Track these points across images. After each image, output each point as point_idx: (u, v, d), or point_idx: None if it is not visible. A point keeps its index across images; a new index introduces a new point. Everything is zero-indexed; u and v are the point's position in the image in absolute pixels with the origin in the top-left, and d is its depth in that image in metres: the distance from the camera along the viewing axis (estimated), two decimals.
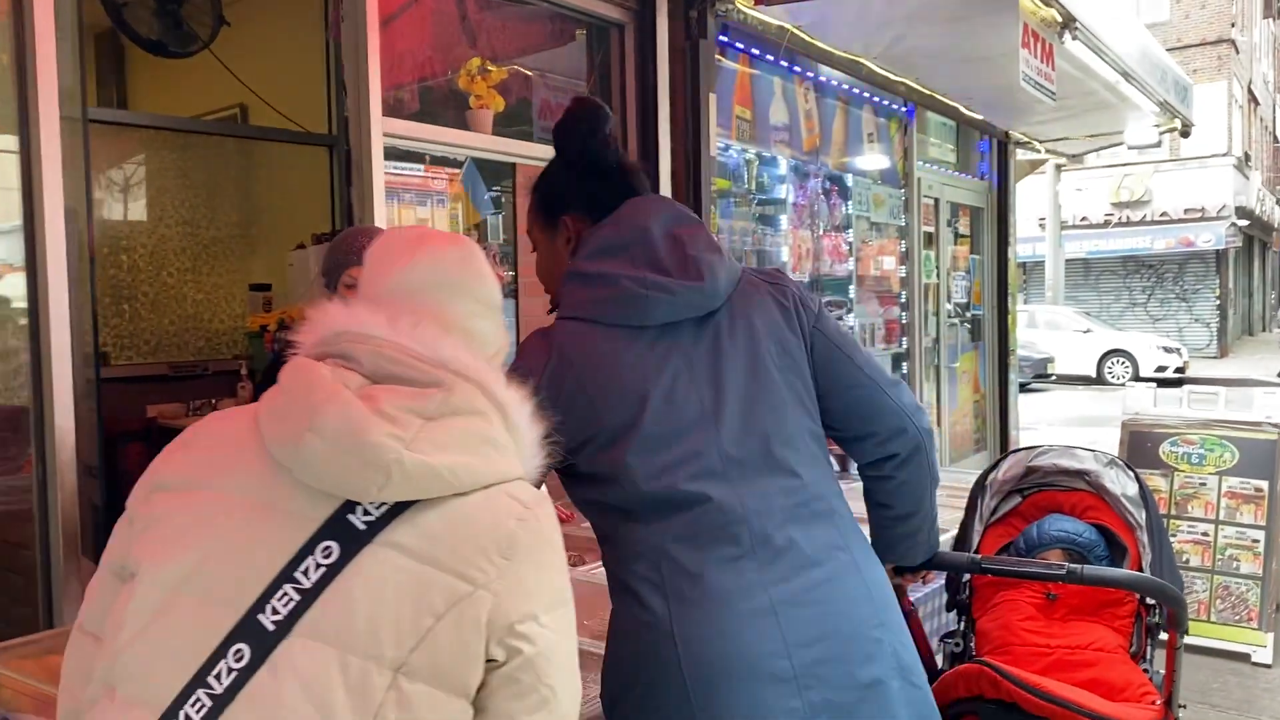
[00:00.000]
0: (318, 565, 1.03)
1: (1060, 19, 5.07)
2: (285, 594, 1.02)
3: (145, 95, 5.71)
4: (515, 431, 1.15)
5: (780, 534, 1.52)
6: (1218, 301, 23.64)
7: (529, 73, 4.40)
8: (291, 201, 5.32)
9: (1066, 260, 21.91)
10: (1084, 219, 23.58)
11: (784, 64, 5.64)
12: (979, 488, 2.54)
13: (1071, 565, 1.85)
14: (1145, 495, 2.36)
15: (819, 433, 1.68)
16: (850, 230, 6.48)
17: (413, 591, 1.03)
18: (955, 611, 2.46)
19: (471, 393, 1.12)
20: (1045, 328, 18.03)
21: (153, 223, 5.61)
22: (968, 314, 8.28)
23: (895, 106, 6.92)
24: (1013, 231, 8.70)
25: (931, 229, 7.52)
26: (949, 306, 7.83)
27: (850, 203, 6.47)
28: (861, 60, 5.96)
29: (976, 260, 8.43)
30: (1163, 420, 5.10)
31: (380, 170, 3.48)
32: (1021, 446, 2.60)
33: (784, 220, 5.88)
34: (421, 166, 3.81)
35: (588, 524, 1.68)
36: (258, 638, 1.01)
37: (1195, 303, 23.79)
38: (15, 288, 2.71)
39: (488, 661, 1.05)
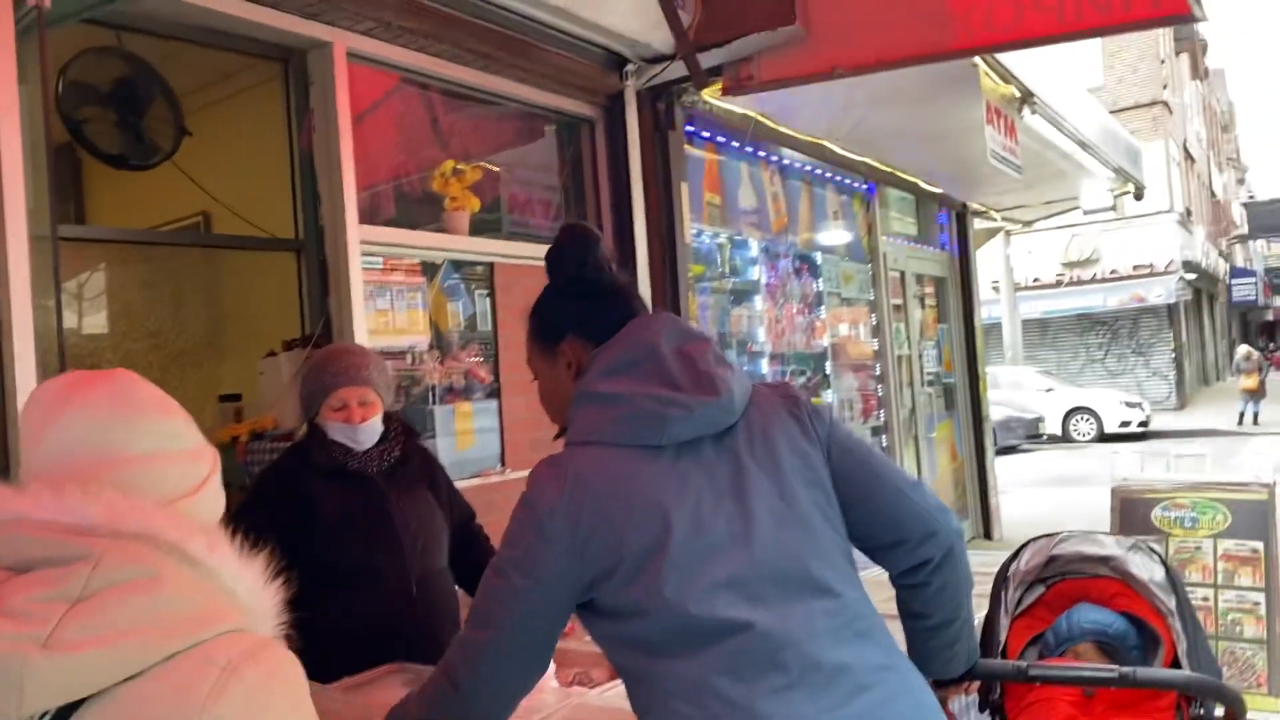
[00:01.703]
0: None
1: (1019, 94, 5.18)
2: None
3: (104, 207, 5.61)
4: (214, 576, 1.00)
5: (828, 658, 1.43)
6: (1173, 354, 24.03)
7: (500, 170, 4.38)
8: (259, 308, 5.22)
9: (1023, 321, 22.23)
10: (1036, 280, 24.02)
11: (749, 149, 5.69)
12: (1001, 580, 2.47)
13: (1124, 669, 1.77)
14: (1174, 579, 2.30)
15: (848, 548, 1.61)
16: (823, 306, 6.50)
17: None
18: (989, 713, 2.37)
19: (131, 552, 0.96)
20: (1009, 388, 18.17)
21: (118, 336, 5.47)
22: (940, 382, 8.31)
23: (856, 185, 7.01)
24: (977, 299, 8.80)
25: (900, 301, 7.57)
26: (922, 376, 7.85)
27: (820, 279, 6.50)
28: (824, 143, 6.04)
29: (944, 329, 8.49)
30: (1153, 485, 5.07)
31: (359, 277, 3.42)
32: (1040, 535, 2.54)
33: (758, 300, 5.88)
34: (394, 269, 3.74)
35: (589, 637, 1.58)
36: None
37: (1152, 356, 24.16)
38: None
39: None
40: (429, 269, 3.87)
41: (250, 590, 1.04)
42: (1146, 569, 2.36)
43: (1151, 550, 2.41)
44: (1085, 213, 8.74)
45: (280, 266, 4.81)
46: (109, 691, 0.91)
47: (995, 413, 16.68)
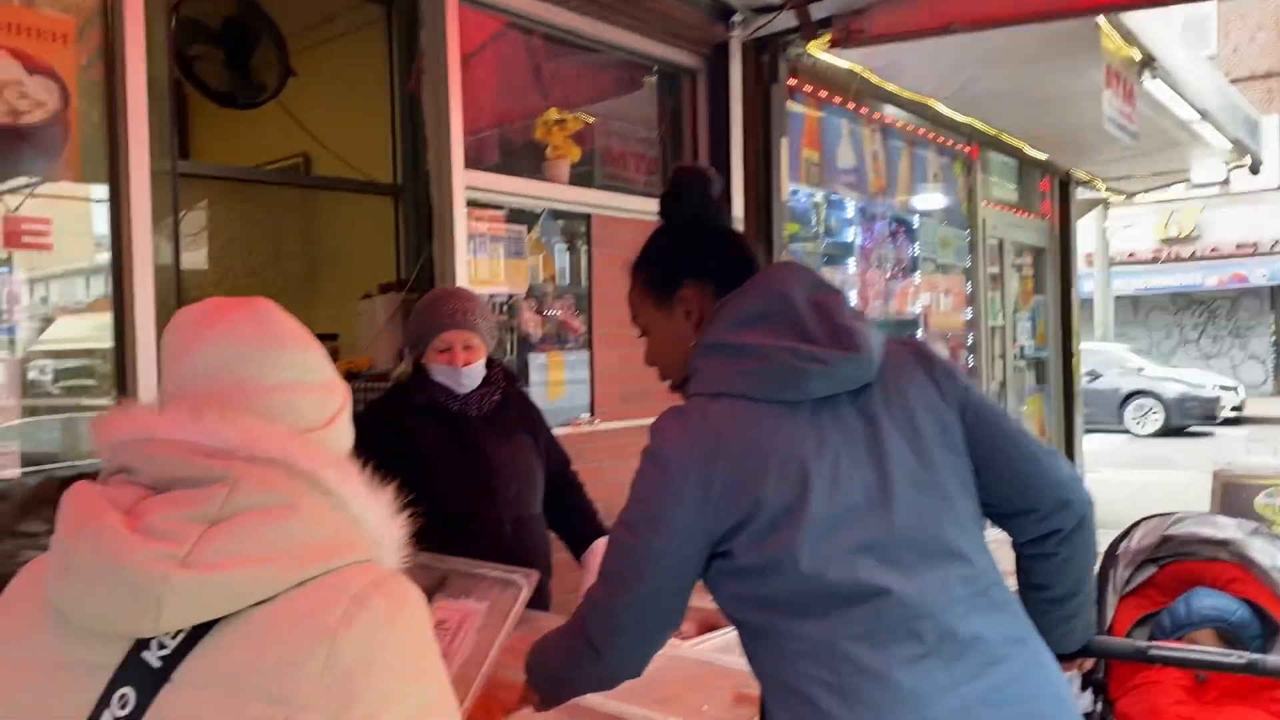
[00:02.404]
0: (115, 718, 0.90)
1: (1141, 58, 4.95)
2: None
3: (206, 145, 5.72)
4: (345, 507, 1.00)
5: (964, 628, 1.38)
6: (1274, 338, 23.09)
7: (597, 120, 4.33)
8: (356, 250, 5.28)
9: (1115, 297, 21.56)
10: (1132, 255, 23.23)
11: (851, 107, 5.55)
12: (1110, 557, 2.39)
13: (1252, 656, 1.70)
14: None
15: (979, 514, 1.56)
16: (917, 272, 6.35)
17: None
18: (1090, 690, 2.30)
19: (267, 478, 0.96)
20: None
21: (219, 273, 5.58)
22: (1032, 356, 8.09)
23: (959, 147, 6.81)
24: (1075, 271, 8.52)
25: (996, 270, 7.37)
26: (1014, 349, 7.65)
27: (916, 244, 6.35)
28: (929, 102, 5.87)
29: (1040, 301, 8.25)
30: (1256, 471, 4.87)
31: (463, 223, 3.42)
32: (1154, 514, 2.44)
33: (852, 263, 5.77)
34: (494, 217, 3.74)
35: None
36: None
37: (1250, 339, 23.24)
38: (103, 340, 2.65)
39: None
40: (528, 218, 3.86)
41: (377, 522, 1.03)
42: (1269, 554, 2.26)
43: (1274, 536, 2.31)
44: (1194, 186, 8.37)
45: (378, 210, 4.86)
46: (242, 614, 0.92)
47: (1169, 390, 16.16)
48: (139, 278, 2.61)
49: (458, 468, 2.57)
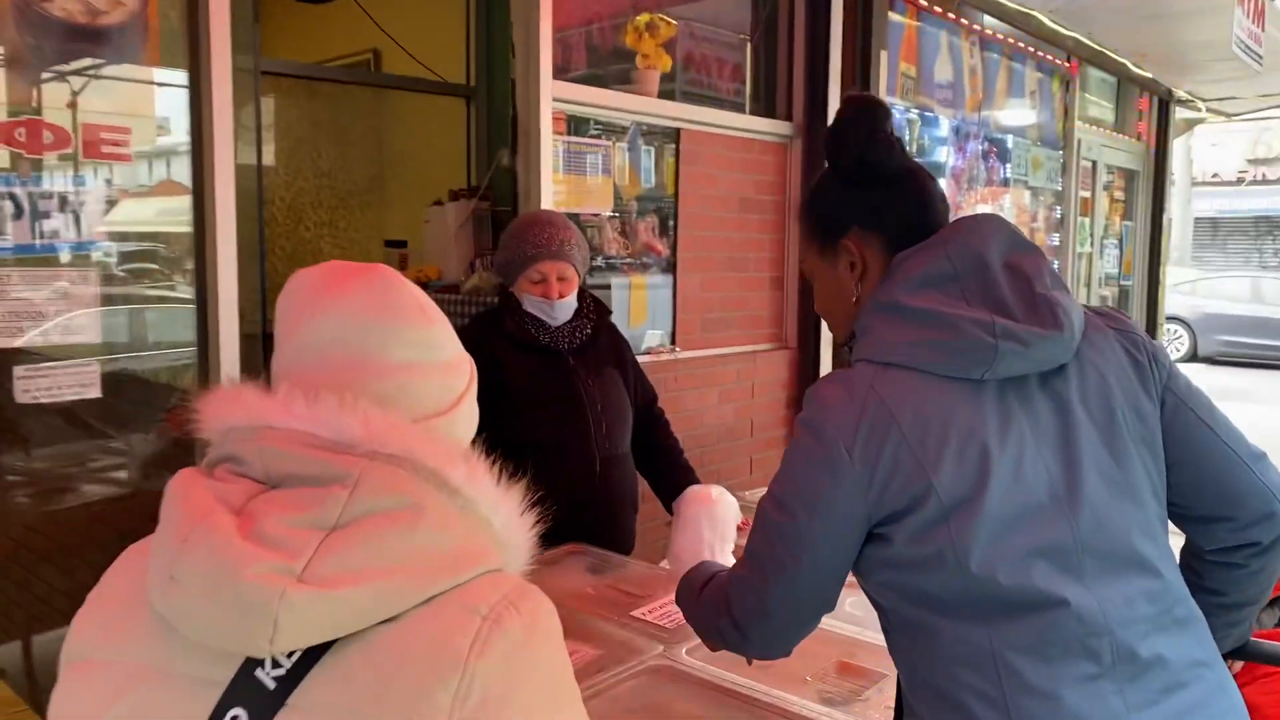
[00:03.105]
0: None
1: None
2: None
3: (275, 40, 5.55)
4: (475, 508, 0.89)
5: (1145, 648, 1.24)
6: None
7: (680, 25, 4.08)
8: (427, 154, 5.13)
9: (1194, 219, 20.77)
10: (1215, 176, 22.28)
11: (951, 17, 5.21)
12: None
13: None
14: None
15: (1167, 520, 1.39)
16: (1008, 195, 6.06)
17: None
18: None
19: (390, 477, 0.86)
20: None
21: (290, 173, 5.46)
22: (1117, 283, 7.77)
23: (1058, 63, 6.41)
24: (1168, 196, 8.12)
25: (1088, 193, 7.02)
26: (1100, 277, 7.35)
27: (1009, 165, 6.03)
28: (1034, 13, 5.49)
29: (1128, 227, 7.89)
30: None
31: (549, 136, 3.24)
32: None
33: (943, 184, 5.48)
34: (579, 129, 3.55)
35: None
36: None
37: None
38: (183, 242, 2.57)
39: None
40: (614, 131, 3.66)
41: (506, 523, 0.93)
42: None
43: None
44: None
45: (450, 113, 4.69)
46: (363, 634, 0.83)
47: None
48: (220, 179, 2.52)
49: (549, 403, 2.47)
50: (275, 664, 0.83)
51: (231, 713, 0.82)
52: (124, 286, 2.45)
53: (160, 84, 2.49)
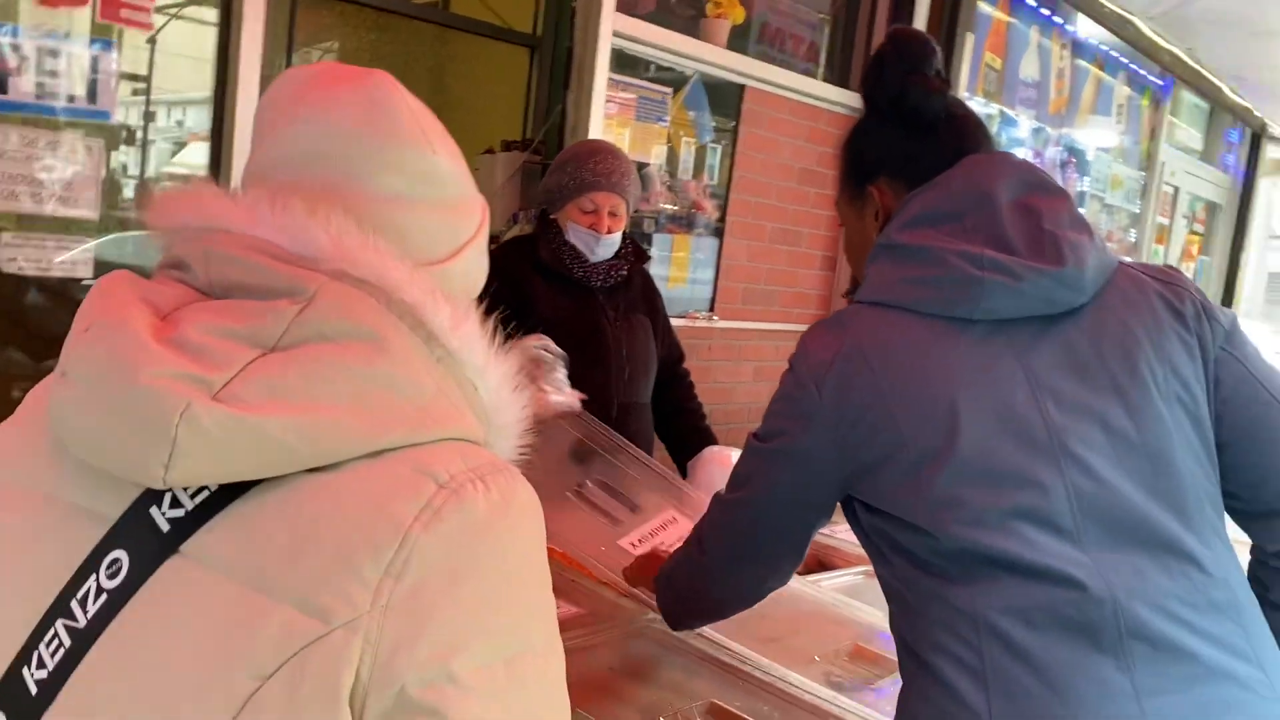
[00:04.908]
0: (99, 590, 0.66)
1: None
2: (56, 636, 0.66)
3: None
4: (457, 364, 0.72)
5: (1159, 627, 1.07)
6: None
7: None
8: (485, 101, 4.99)
9: (1269, 274, 20.12)
10: None
11: (1044, 13, 4.96)
12: None
13: None
14: None
15: (1218, 497, 1.20)
16: (1083, 210, 5.78)
17: (226, 635, 0.63)
18: None
19: (353, 301, 0.69)
20: None
21: None
22: None
23: (1151, 79, 6.12)
24: (1252, 235, 7.77)
25: (1167, 220, 6.71)
26: None
27: (1087, 178, 5.76)
28: (1133, 19, 5.22)
29: (1205, 262, 7.55)
30: None
31: (604, 74, 3.08)
32: None
33: None
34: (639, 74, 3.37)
35: None
36: (19, 704, 0.65)
37: None
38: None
39: None
40: (675, 79, 3.48)
41: (494, 392, 0.75)
42: None
43: None
44: None
45: (513, 62, 4.54)
46: (287, 480, 0.66)
47: None
48: (241, 109, 2.35)
49: (573, 339, 2.30)
50: (175, 503, 0.67)
51: (113, 554, 0.67)
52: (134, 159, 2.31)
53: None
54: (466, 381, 0.73)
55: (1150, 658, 1.06)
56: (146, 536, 0.67)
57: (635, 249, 2.48)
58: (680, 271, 3.62)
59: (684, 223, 3.61)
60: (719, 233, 3.71)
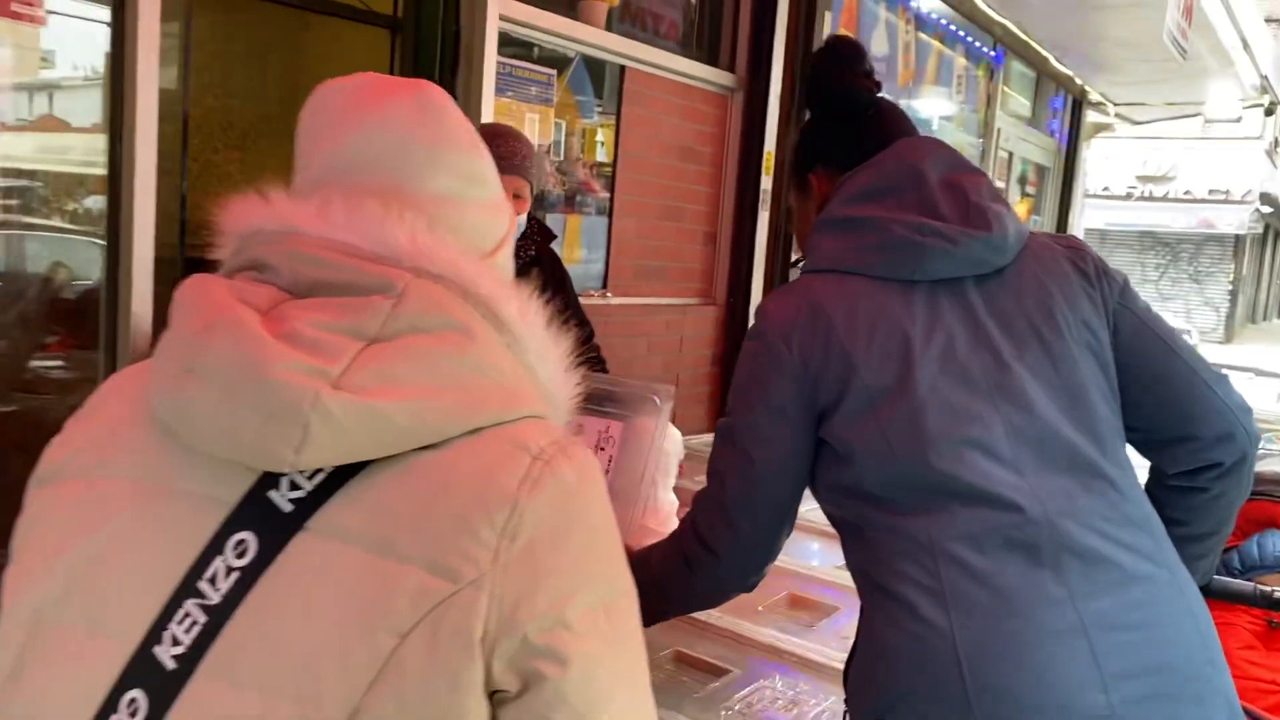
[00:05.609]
0: (229, 570, 0.71)
1: None
2: (188, 615, 0.71)
3: None
4: (522, 350, 0.80)
5: (1086, 541, 1.23)
6: (1230, 286, 23.40)
7: None
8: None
9: (1085, 229, 21.58)
10: (1105, 189, 23.18)
11: None
12: None
13: None
14: None
15: (1121, 429, 1.38)
16: None
17: (364, 599, 0.69)
18: None
19: (439, 298, 0.76)
20: None
21: (198, 90, 5.13)
22: None
23: (985, 50, 6.51)
24: (1077, 195, 8.36)
25: (1003, 184, 7.16)
26: None
27: None
28: None
29: (1038, 222, 8.09)
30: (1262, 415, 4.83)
31: (493, 58, 3.10)
32: None
33: None
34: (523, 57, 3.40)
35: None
36: (155, 681, 0.70)
37: (1207, 285, 23.52)
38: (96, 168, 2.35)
39: (492, 695, 0.70)
40: (558, 62, 3.53)
41: (551, 374, 0.83)
42: None
43: None
44: (1207, 121, 8.21)
45: (375, 45, 4.46)
46: (398, 459, 0.72)
47: None
48: (142, 99, 2.31)
49: None
50: (294, 485, 0.72)
51: (238, 536, 0.71)
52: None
53: None
54: (529, 366, 0.80)
55: (1081, 568, 1.21)
56: (270, 517, 0.71)
57: (541, 229, 2.53)
58: (573, 251, 3.69)
59: (575, 204, 3.68)
60: (609, 211, 3.79)
